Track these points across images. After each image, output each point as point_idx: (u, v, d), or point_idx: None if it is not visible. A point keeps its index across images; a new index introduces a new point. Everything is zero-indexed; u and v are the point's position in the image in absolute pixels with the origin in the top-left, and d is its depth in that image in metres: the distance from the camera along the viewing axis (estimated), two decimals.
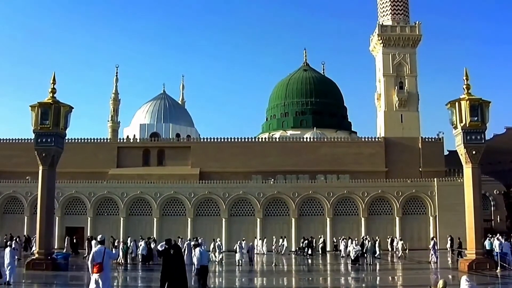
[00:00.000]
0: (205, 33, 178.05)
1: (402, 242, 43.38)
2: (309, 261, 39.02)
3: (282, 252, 45.37)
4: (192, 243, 23.54)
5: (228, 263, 35.58)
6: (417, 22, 68.67)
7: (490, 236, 34.89)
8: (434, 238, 38.34)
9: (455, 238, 41.81)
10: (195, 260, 18.36)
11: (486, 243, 31.61)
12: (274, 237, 48.56)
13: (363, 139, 64.12)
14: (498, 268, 26.82)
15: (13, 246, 22.95)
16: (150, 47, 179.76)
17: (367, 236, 43.40)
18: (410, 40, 67.61)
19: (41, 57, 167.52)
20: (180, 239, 37.35)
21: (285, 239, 46.88)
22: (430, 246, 35.61)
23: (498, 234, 35.31)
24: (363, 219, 51.56)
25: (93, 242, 37.01)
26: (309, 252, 43.36)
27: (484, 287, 21.76)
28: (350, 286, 25.98)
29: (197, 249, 18.56)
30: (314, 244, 44.70)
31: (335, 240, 48.69)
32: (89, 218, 51.76)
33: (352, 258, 34.35)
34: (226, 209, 51.69)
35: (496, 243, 31.26)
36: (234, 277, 28.15)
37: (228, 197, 51.85)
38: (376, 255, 38.97)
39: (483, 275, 25.14)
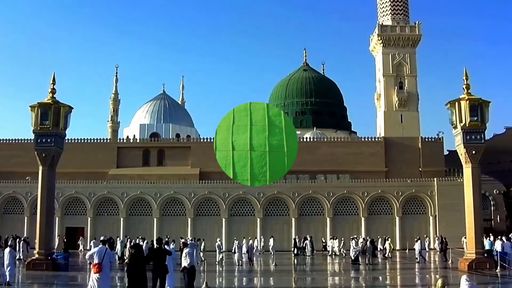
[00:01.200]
0: (205, 33, 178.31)
1: (389, 242, 42.63)
2: (296, 261, 38.95)
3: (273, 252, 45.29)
4: (182, 241, 23.35)
5: (228, 263, 35.60)
6: (417, 22, 68.70)
7: (485, 235, 34.71)
8: (423, 238, 38.28)
9: (447, 239, 41.64)
10: (183, 261, 18.25)
11: (486, 243, 31.60)
12: (262, 237, 48.50)
13: (363, 139, 64.14)
14: (498, 267, 26.83)
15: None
16: (150, 47, 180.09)
17: (356, 236, 43.44)
18: (410, 40, 67.63)
19: (41, 57, 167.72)
20: (167, 239, 37.38)
21: (272, 238, 46.73)
22: (417, 247, 35.81)
23: (491, 236, 35.16)
24: (363, 219, 51.58)
25: (93, 241, 37.14)
26: (295, 252, 43.47)
27: (484, 287, 21.78)
28: (351, 286, 25.96)
29: (186, 249, 18.48)
30: (312, 243, 44.64)
31: (323, 240, 48.60)
32: (89, 218, 51.77)
33: (352, 258, 34.37)
34: (226, 209, 51.69)
35: (498, 243, 31.24)
36: (233, 277, 28.14)
37: (228, 197, 51.84)
38: (385, 254, 39.03)
39: (483, 275, 25.15)
